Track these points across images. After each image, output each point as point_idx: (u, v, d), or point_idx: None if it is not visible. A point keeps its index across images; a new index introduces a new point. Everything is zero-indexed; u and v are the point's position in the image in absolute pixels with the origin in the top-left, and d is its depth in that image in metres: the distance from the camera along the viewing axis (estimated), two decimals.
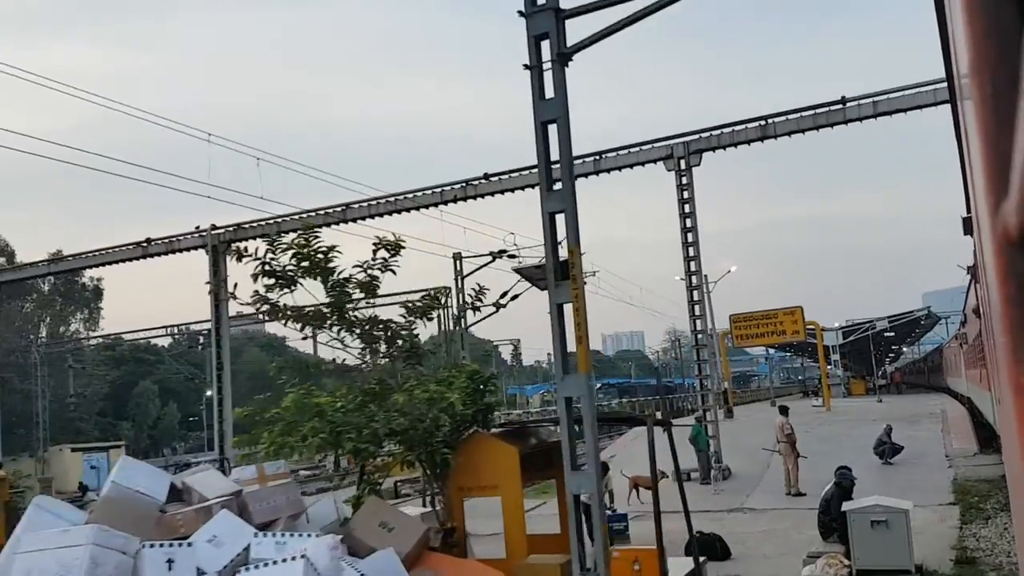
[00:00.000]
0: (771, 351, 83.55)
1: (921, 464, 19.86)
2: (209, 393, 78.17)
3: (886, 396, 45.76)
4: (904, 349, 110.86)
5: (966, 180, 3.30)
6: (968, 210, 5.28)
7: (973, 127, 0.88)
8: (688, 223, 21.40)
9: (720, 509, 16.47)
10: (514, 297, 35.12)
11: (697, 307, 21.38)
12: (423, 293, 10.10)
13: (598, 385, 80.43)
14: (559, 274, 8.30)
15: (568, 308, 8.03)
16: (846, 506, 9.78)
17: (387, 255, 9.59)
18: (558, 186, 8.49)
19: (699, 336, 21.42)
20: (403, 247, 9.67)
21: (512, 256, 33.09)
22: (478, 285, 10.48)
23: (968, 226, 6.86)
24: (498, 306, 36.55)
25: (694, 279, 21.43)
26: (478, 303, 10.44)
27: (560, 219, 8.31)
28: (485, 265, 33.65)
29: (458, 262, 33.75)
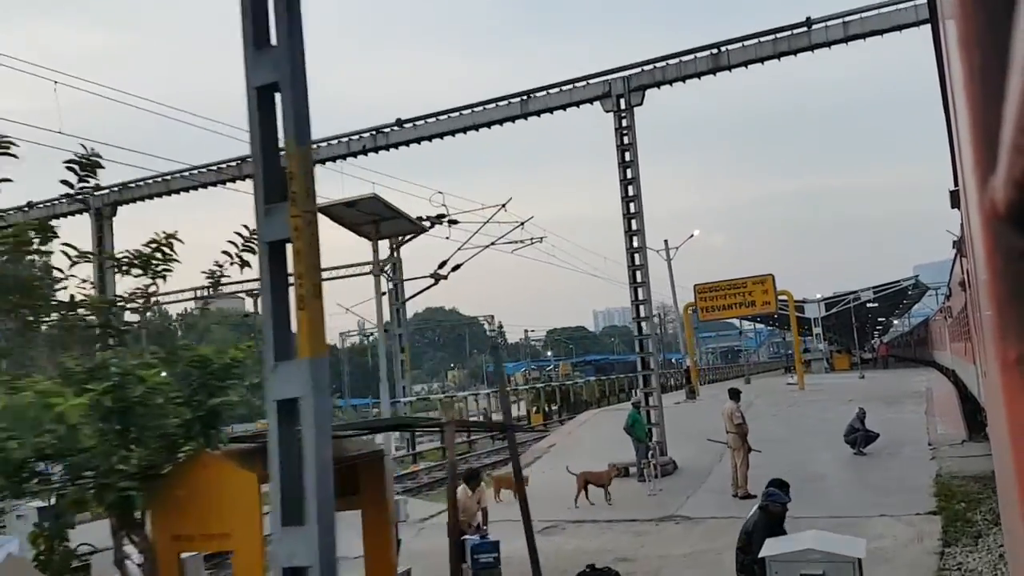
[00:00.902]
0: (758, 324, 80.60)
1: (899, 455, 16.83)
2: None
3: (871, 371, 42.88)
4: (895, 322, 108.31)
5: (954, 153, 3.41)
6: (956, 183, 5.27)
7: (961, 101, 0.86)
8: (628, 173, 18.14)
9: (649, 518, 13.39)
10: (456, 267, 31.88)
11: (639, 273, 18.18)
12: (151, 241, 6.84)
13: (574, 361, 77.38)
14: (274, 193, 5.02)
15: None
16: (770, 545, 6.67)
17: None
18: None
19: (640, 307, 18.24)
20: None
21: (453, 222, 29.83)
22: (246, 228, 7.18)
23: (955, 199, 6.88)
24: (437, 278, 33.32)
25: (635, 240, 18.22)
26: (238, 258, 7.16)
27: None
28: (422, 232, 30.34)
29: None
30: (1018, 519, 0.99)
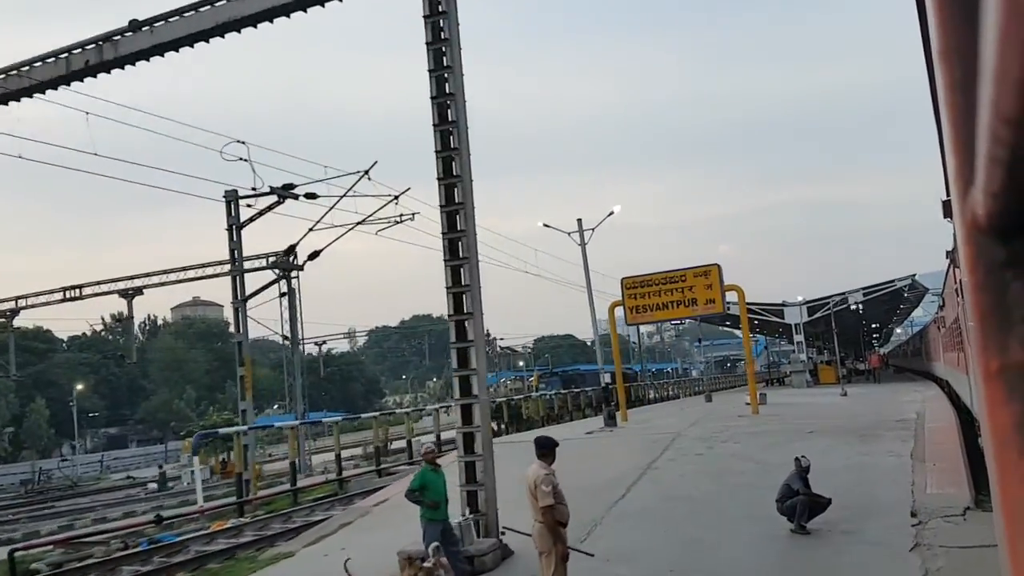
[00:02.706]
0: (757, 333, 73.53)
1: (861, 536, 10.27)
2: (80, 387, 68.53)
3: (859, 387, 36.27)
4: (897, 330, 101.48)
5: (945, 163, 2.73)
6: (947, 193, 5.58)
7: (944, 111, 0.88)
8: (447, 86, 11.71)
9: None
10: (313, 255, 25.39)
11: (461, 246, 11.70)
12: None
13: (542, 371, 70.60)
14: None
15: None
16: None
17: None
18: None
19: (464, 298, 11.73)
20: None
21: (312, 196, 23.34)
22: None
23: (947, 209, 7.41)
24: (289, 268, 26.83)
25: (456, 193, 11.76)
26: None
27: None
28: (270, 208, 23.84)
29: (232, 204, 23.94)
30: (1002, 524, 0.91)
